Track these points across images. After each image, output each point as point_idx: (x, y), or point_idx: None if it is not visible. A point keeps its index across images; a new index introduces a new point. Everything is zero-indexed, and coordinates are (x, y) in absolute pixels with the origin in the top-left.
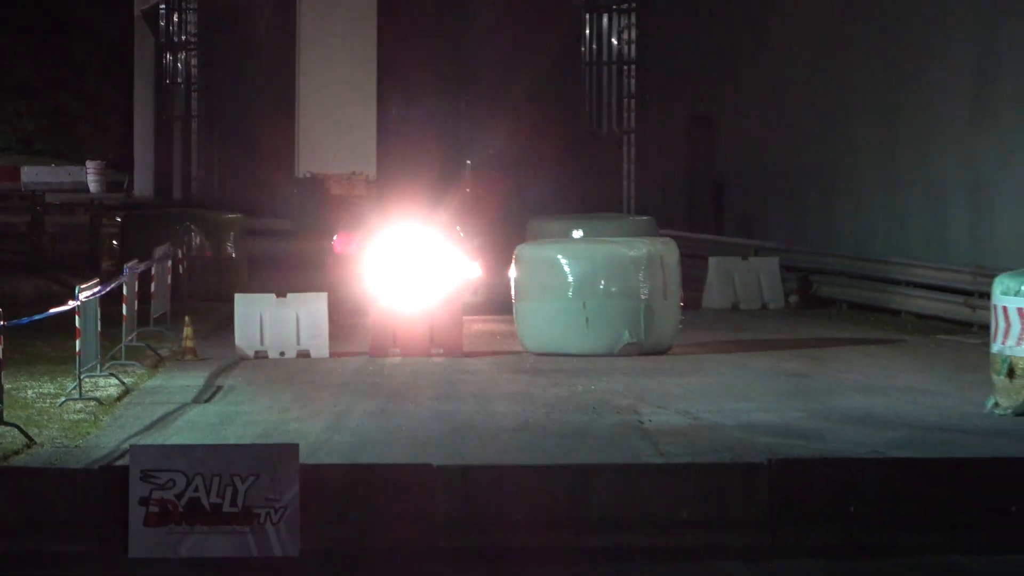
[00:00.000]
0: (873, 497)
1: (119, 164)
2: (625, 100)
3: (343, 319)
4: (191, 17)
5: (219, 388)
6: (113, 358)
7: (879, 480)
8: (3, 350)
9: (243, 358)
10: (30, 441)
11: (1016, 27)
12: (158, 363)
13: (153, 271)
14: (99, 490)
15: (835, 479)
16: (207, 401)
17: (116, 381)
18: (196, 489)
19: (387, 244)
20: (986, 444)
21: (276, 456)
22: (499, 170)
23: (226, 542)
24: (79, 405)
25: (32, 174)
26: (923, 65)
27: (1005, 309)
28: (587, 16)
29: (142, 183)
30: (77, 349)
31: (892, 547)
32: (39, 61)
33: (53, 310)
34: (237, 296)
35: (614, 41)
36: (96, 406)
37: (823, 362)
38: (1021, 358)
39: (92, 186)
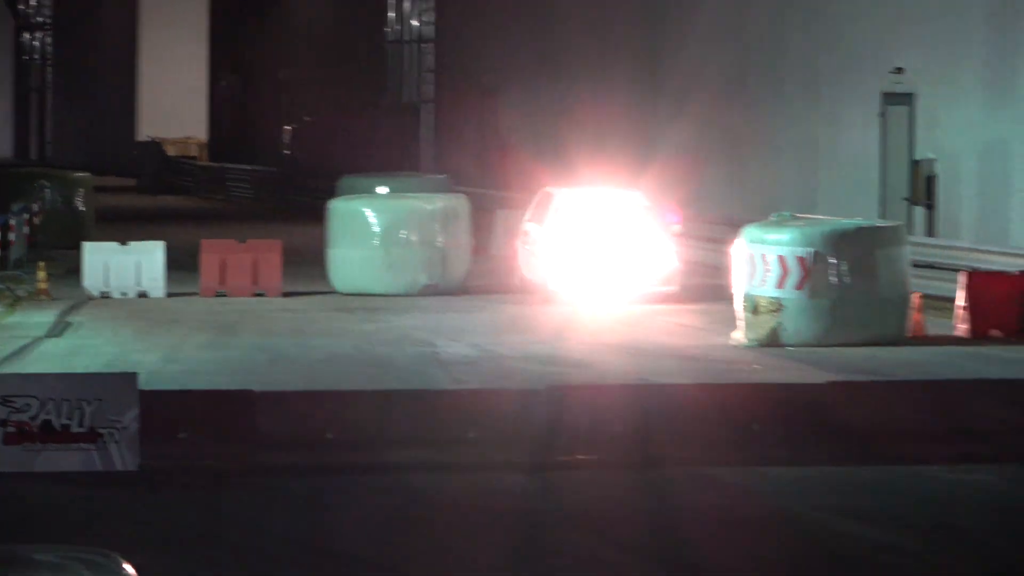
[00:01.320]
0: (636, 417)
1: None
2: (424, 74)
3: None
4: (47, 0)
5: (69, 324)
6: None
7: (640, 402)
8: None
9: (90, 298)
10: None
11: (761, 11)
12: (15, 302)
13: (12, 222)
14: None
15: (602, 402)
16: (58, 336)
17: None
18: (48, 412)
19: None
20: (731, 371)
21: (118, 383)
22: (315, 135)
23: (75, 458)
24: None
25: None
26: (682, 41)
27: (751, 255)
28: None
29: (3, 146)
30: None
31: (654, 460)
32: None
33: None
34: (84, 244)
35: (414, 22)
36: None
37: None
38: (763, 297)
39: None
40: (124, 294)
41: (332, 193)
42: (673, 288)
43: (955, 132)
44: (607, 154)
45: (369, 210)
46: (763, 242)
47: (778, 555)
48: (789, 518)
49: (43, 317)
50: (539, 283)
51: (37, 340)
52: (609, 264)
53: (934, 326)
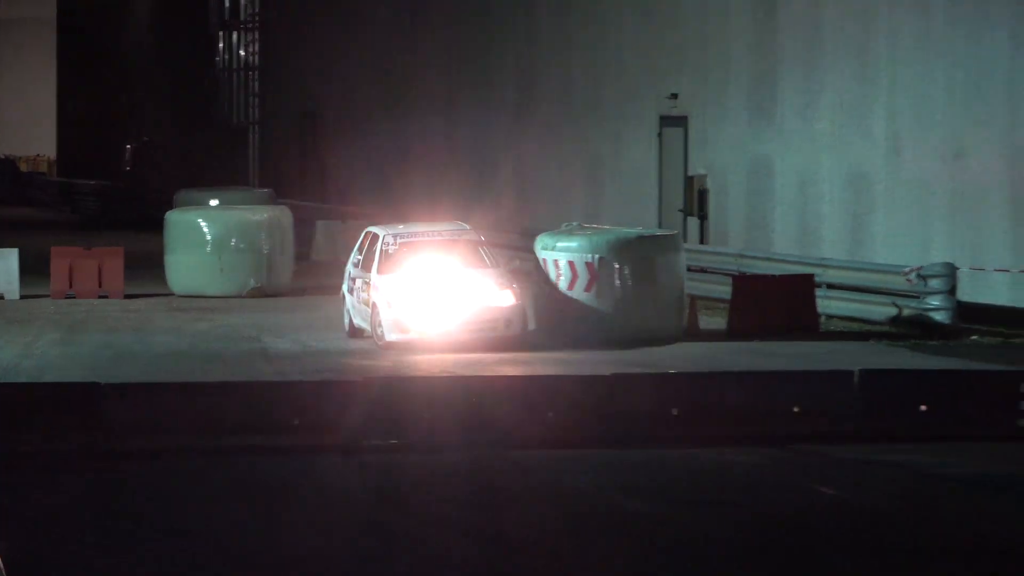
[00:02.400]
0: (446, 405)
1: None
2: (251, 98)
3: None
4: None
5: None
6: None
7: (451, 392)
8: None
9: None
10: None
11: (552, 40)
12: None
13: None
14: None
15: (416, 392)
16: None
17: None
18: None
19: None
20: (530, 362)
21: None
22: (153, 153)
23: None
24: None
25: None
26: (478, 70)
27: (544, 261)
28: (220, 32)
29: None
30: None
31: (461, 444)
32: None
33: None
34: None
35: (242, 52)
36: None
37: None
38: None
39: None
40: None
41: (170, 205)
42: (515, 331)
43: (724, 150)
44: (431, 176)
45: (202, 220)
46: (554, 249)
47: (562, 524)
48: (574, 493)
49: None
50: (373, 332)
51: None
52: (444, 308)
53: (707, 324)
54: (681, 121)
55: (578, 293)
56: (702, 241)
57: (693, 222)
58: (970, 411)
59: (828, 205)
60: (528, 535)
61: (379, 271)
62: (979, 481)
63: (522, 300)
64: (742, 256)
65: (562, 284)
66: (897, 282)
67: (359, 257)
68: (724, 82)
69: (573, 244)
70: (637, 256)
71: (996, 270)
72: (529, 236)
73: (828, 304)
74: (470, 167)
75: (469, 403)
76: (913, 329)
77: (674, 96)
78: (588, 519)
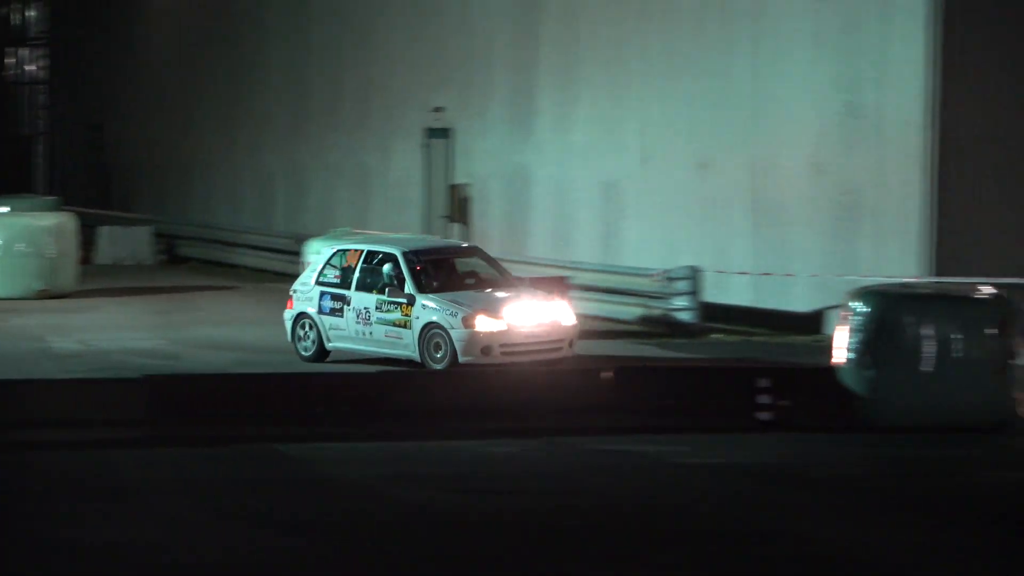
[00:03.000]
0: (226, 400)
1: None
2: (39, 110)
3: None
4: None
5: None
6: None
7: (230, 389)
8: None
9: None
10: None
11: (321, 61)
12: None
13: None
14: None
15: (198, 388)
16: None
17: None
18: None
19: None
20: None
21: None
22: None
23: None
24: None
25: None
26: (255, 84)
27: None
28: (8, 48)
29: None
30: None
31: (243, 437)
32: None
33: None
34: None
35: (31, 67)
36: None
37: (183, 303)
38: None
39: None
40: None
41: None
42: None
43: (485, 160)
44: (209, 185)
45: None
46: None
47: (349, 510)
48: (356, 483)
49: None
50: (425, 355)
51: None
52: (528, 329)
53: None
54: (446, 133)
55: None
56: None
57: (457, 228)
58: (713, 404)
59: (582, 212)
60: (317, 521)
61: (421, 290)
62: (721, 469)
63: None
64: (503, 259)
65: None
66: (646, 284)
67: (334, 275)
68: (486, 96)
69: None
70: None
71: (738, 273)
72: (301, 241)
73: (581, 304)
74: (248, 175)
75: (250, 398)
76: (661, 328)
77: (439, 109)
78: (370, 504)
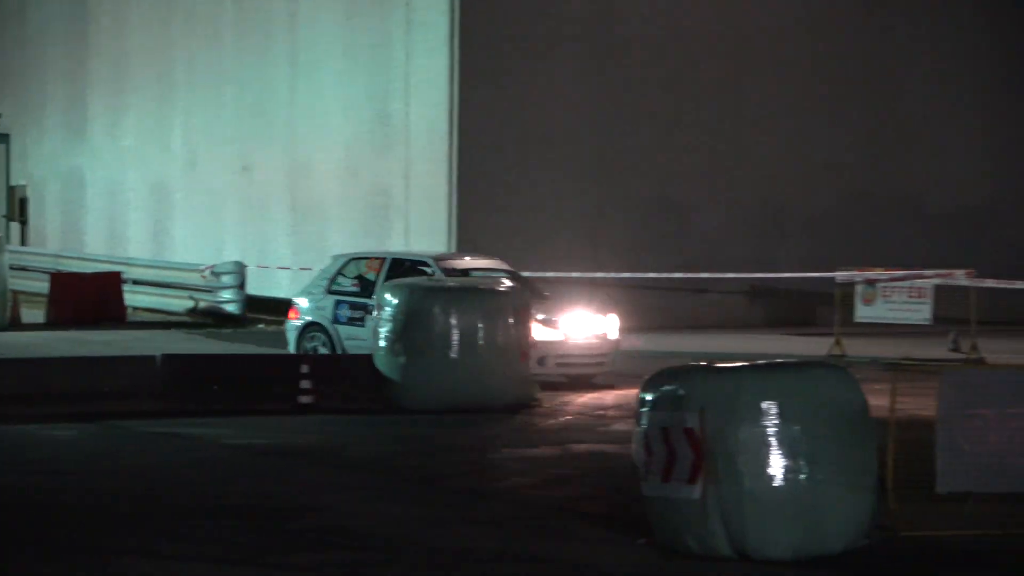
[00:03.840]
0: None
1: None
2: None
3: None
4: None
5: None
6: None
7: None
8: None
9: None
10: None
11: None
12: None
13: None
14: None
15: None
16: None
17: None
18: None
19: None
20: None
21: None
22: None
23: None
24: None
25: None
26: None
27: None
28: None
29: None
30: None
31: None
32: None
33: None
34: None
35: None
36: None
37: None
38: None
39: None
40: None
41: None
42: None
43: (42, 163)
44: None
45: None
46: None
47: None
48: None
49: None
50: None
51: None
52: (586, 343)
53: (29, 316)
54: (4, 138)
55: None
56: (23, 243)
57: (15, 226)
58: (258, 389)
59: (134, 212)
60: None
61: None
62: (266, 449)
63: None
64: (59, 256)
65: None
66: (194, 278)
67: (351, 284)
68: (42, 104)
69: None
70: None
71: (279, 268)
72: None
73: (135, 298)
74: None
75: None
76: (209, 319)
77: None
78: None
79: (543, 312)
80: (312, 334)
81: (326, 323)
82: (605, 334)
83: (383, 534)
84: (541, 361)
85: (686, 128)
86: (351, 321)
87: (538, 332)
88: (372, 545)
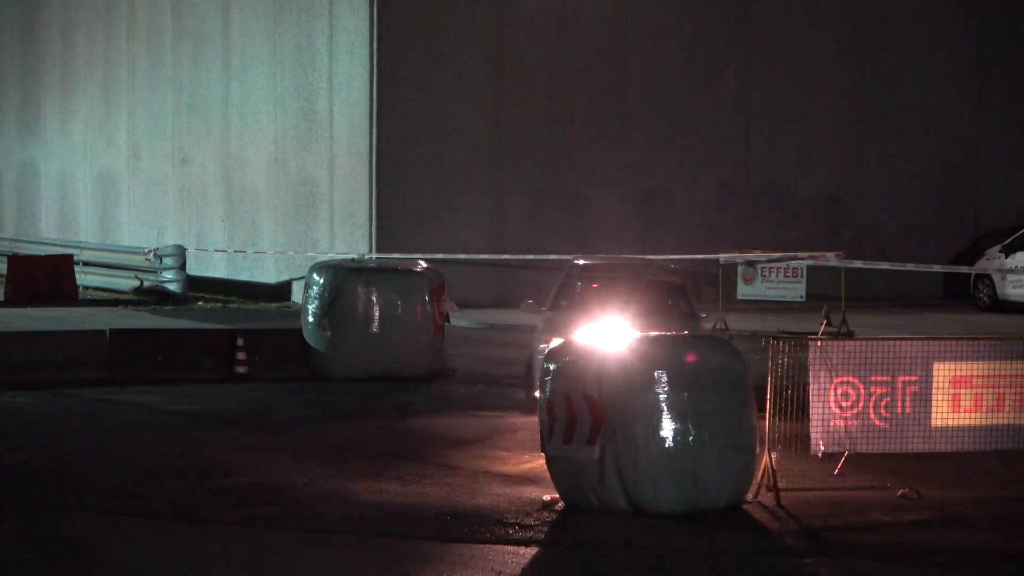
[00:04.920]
0: None
1: None
2: None
3: None
4: None
5: None
6: None
7: None
8: None
9: None
10: None
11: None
12: None
13: None
14: None
15: None
16: None
17: None
18: None
19: None
20: None
21: None
22: None
23: None
24: None
25: None
26: None
27: None
28: None
29: None
30: None
31: None
32: None
33: None
34: None
35: None
36: None
37: None
38: None
39: None
40: None
41: None
42: None
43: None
44: None
45: None
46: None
47: None
48: None
49: None
50: None
51: None
52: None
53: None
54: None
55: None
56: None
57: None
58: (199, 360)
59: (83, 200)
60: None
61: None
62: (203, 414)
63: None
64: (15, 240)
65: None
66: (139, 260)
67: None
68: None
69: None
70: None
71: (216, 251)
72: None
73: (85, 278)
74: None
75: None
76: (152, 297)
77: None
78: None
79: None
80: None
81: None
82: None
83: (305, 490)
84: None
85: (576, 123)
86: None
87: None
88: (295, 500)
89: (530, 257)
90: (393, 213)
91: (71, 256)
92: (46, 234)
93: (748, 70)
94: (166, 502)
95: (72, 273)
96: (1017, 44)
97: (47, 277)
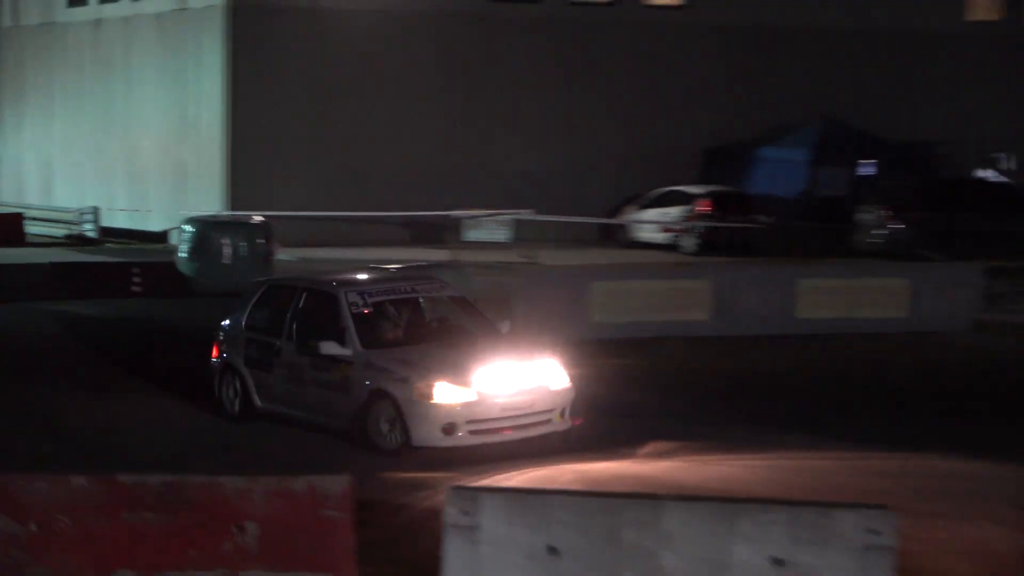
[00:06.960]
0: None
1: None
2: None
3: None
4: None
5: None
6: None
7: None
8: None
9: None
10: None
11: None
12: None
13: None
14: None
15: None
16: None
17: None
18: None
19: None
20: None
21: None
22: None
23: None
24: None
25: None
26: None
27: None
28: None
29: None
30: None
31: None
32: None
33: None
34: None
35: None
36: None
37: None
38: None
39: None
40: None
41: None
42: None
43: None
44: None
45: None
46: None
47: None
48: None
49: None
50: (377, 434)
51: None
52: (508, 399)
53: None
54: None
55: None
56: None
57: None
58: (106, 283)
59: (29, 177)
60: None
61: (365, 344)
62: (114, 319)
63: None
64: None
65: None
66: (69, 216)
67: (264, 318)
68: None
69: None
70: None
71: (120, 210)
72: None
73: (32, 229)
74: None
75: None
76: (78, 241)
77: None
78: None
79: (450, 361)
80: (227, 375)
81: (240, 365)
82: (545, 386)
83: (185, 371)
84: (448, 429)
85: (375, 123)
86: (259, 365)
87: (442, 391)
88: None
89: (338, 213)
90: (241, 183)
91: (21, 214)
92: (4, 199)
93: (486, 74)
94: (95, 381)
95: (21, 226)
96: None
97: (4, 229)
